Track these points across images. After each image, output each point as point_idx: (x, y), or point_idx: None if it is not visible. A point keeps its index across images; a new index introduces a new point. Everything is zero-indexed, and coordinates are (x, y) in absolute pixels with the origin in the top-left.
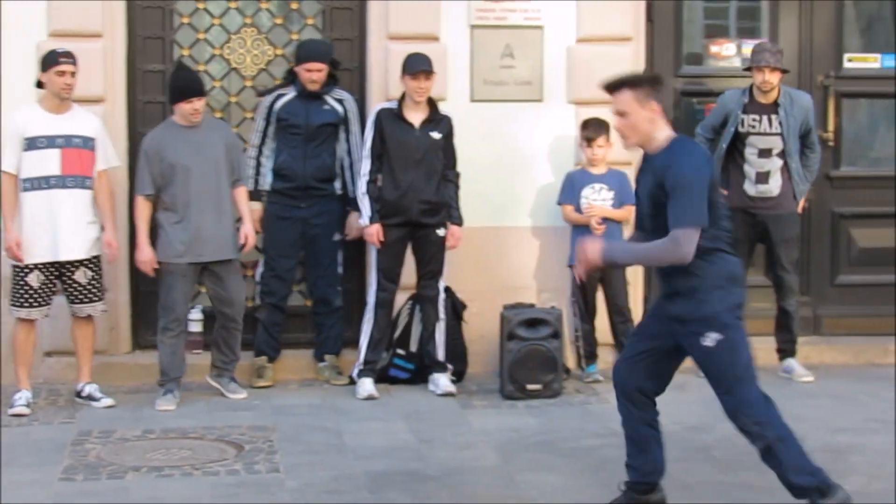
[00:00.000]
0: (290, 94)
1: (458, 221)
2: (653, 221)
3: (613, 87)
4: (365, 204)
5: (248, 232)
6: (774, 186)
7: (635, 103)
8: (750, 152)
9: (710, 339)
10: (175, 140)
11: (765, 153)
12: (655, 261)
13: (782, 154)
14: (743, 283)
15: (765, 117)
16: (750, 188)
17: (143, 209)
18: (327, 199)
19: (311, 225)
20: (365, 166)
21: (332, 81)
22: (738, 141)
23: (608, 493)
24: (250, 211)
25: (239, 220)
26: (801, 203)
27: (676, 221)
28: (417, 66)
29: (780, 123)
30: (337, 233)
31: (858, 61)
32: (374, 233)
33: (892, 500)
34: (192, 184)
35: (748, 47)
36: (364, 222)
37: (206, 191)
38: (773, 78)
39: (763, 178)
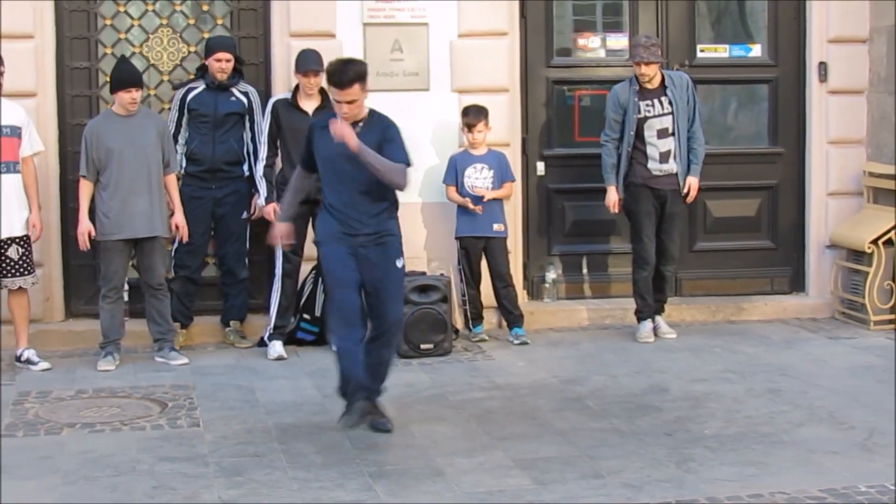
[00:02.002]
0: (200, 87)
1: None
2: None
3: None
4: (262, 186)
5: (179, 221)
6: (674, 165)
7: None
8: (649, 135)
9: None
10: (112, 127)
11: (662, 133)
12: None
13: (675, 133)
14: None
15: (656, 100)
16: (654, 166)
17: (85, 188)
18: (235, 181)
19: (221, 204)
20: (262, 151)
21: (237, 75)
22: (638, 127)
23: (491, 440)
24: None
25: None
26: (695, 185)
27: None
28: (307, 66)
29: (671, 102)
30: (245, 211)
31: (709, 51)
32: (271, 211)
33: (746, 441)
34: (126, 167)
35: (612, 40)
36: (261, 202)
37: (137, 174)
38: (649, 70)
39: (665, 157)
